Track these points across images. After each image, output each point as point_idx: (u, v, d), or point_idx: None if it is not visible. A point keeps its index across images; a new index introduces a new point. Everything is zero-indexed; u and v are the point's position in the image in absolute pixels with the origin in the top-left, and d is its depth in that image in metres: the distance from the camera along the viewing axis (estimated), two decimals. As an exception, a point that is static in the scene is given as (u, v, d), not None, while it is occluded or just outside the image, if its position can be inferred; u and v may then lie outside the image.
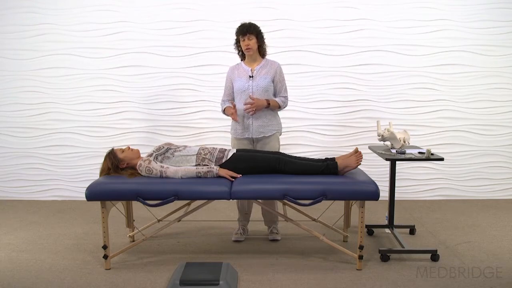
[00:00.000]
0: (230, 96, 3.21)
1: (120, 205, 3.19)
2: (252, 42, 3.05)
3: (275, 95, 3.18)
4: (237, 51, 3.20)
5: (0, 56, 4.37)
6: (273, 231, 3.28)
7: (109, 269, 2.74)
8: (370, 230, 3.40)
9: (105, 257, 2.73)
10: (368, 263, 2.82)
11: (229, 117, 3.14)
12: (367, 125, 4.36)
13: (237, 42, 3.13)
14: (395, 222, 3.53)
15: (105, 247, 2.70)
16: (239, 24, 3.09)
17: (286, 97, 3.20)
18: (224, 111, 3.19)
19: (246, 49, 3.05)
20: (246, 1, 4.24)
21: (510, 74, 4.30)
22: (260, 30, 3.10)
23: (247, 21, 3.11)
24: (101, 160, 2.96)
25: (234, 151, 2.89)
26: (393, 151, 3.03)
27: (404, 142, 3.08)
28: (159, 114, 4.41)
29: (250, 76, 3.08)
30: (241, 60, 3.22)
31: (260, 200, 3.05)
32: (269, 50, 4.22)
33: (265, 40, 3.16)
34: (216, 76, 4.34)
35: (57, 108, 4.43)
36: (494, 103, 4.34)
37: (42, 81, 4.39)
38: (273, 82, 3.13)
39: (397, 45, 4.27)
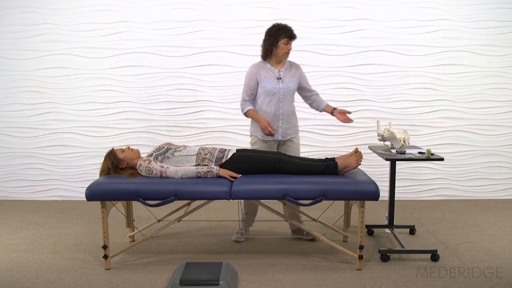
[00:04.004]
0: (252, 95, 3.11)
1: (120, 205, 3.19)
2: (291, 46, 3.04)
3: (304, 95, 3.22)
4: (265, 50, 3.05)
5: (0, 56, 4.38)
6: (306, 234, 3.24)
7: (109, 269, 2.74)
8: (370, 230, 3.40)
9: (105, 257, 2.73)
10: (368, 263, 2.82)
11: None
12: (367, 125, 4.36)
13: (274, 42, 2.99)
14: (395, 222, 3.53)
15: (105, 247, 2.70)
16: (279, 25, 2.99)
17: (317, 93, 3.25)
18: (246, 114, 3.08)
19: (286, 53, 3.01)
20: (246, 1, 4.24)
21: (510, 74, 4.30)
22: None
23: (281, 22, 3.05)
24: (101, 160, 2.96)
25: (234, 151, 2.89)
26: (393, 151, 3.03)
27: (404, 142, 3.08)
28: (159, 114, 4.41)
29: (278, 78, 3.04)
30: (263, 59, 3.11)
31: (288, 216, 3.11)
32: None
33: None
34: (216, 76, 4.34)
35: (57, 108, 4.43)
36: (494, 103, 4.34)
37: (42, 81, 4.39)
38: (298, 85, 3.14)
39: (397, 45, 4.27)
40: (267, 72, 3.06)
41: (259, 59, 3.11)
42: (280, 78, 3.04)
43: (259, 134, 3.12)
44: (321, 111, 3.25)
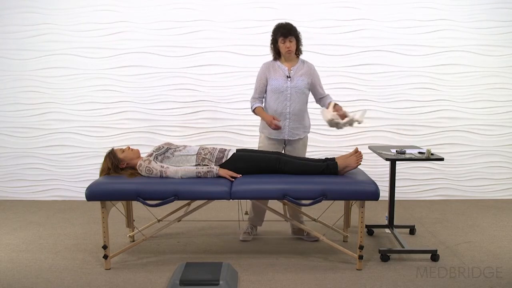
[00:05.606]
0: (262, 93, 3.12)
1: (120, 205, 3.19)
2: (293, 44, 2.98)
3: (315, 95, 3.15)
4: (272, 52, 3.09)
5: (0, 56, 4.37)
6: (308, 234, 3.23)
7: (109, 269, 2.74)
8: (370, 230, 3.40)
9: (105, 257, 2.73)
10: (368, 263, 2.82)
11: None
12: (367, 125, 4.36)
13: (275, 42, 3.03)
14: (395, 222, 3.53)
15: (105, 247, 2.70)
16: (277, 24, 3.01)
17: (327, 95, 3.15)
18: (254, 111, 3.10)
19: (287, 51, 2.98)
20: (246, 1, 4.24)
21: (510, 74, 4.30)
22: (299, 32, 3.02)
23: (283, 21, 3.03)
24: (101, 160, 2.96)
25: (234, 151, 2.89)
26: (393, 151, 3.03)
27: (347, 116, 2.78)
28: (159, 114, 4.41)
29: (287, 76, 3.01)
30: (275, 59, 3.11)
31: (289, 216, 3.10)
32: (268, 50, 4.25)
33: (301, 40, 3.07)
34: (216, 76, 4.34)
35: (57, 108, 4.43)
36: (494, 103, 4.34)
37: (42, 81, 4.39)
38: (310, 84, 3.08)
39: (397, 45, 4.27)
40: (276, 70, 3.05)
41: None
42: (289, 77, 3.02)
43: (266, 131, 3.12)
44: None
